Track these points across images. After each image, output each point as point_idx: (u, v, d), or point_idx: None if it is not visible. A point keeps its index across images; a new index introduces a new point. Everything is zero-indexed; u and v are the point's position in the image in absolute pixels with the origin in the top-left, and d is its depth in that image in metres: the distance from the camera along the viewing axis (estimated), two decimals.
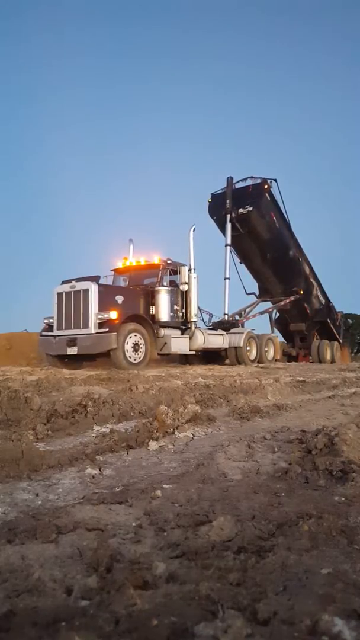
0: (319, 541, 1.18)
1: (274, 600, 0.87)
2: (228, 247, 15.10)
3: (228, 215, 14.98)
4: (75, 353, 9.78)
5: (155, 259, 11.83)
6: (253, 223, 15.21)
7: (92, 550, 1.08)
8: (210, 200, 16.02)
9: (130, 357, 9.74)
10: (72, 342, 9.79)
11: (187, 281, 11.68)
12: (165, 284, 11.56)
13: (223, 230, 15.37)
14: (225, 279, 15.05)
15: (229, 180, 15.46)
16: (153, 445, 2.47)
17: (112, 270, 12.61)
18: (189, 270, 11.86)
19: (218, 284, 15.21)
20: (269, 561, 1.06)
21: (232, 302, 15.38)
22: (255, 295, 17.85)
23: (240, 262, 16.73)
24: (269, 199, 15.55)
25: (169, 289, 11.48)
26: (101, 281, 10.46)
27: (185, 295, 11.82)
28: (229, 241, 15.01)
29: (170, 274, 11.86)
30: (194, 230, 12.00)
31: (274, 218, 15.73)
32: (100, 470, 1.99)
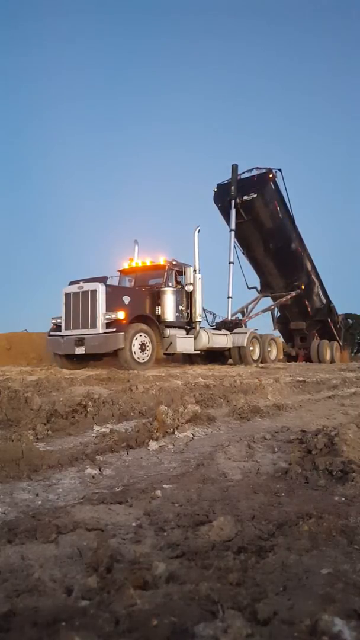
0: (319, 541, 1.18)
1: (274, 600, 0.87)
2: (232, 233, 15.27)
3: (233, 202, 15.16)
4: (83, 352, 9.86)
5: (161, 260, 11.91)
6: (257, 210, 15.36)
7: (92, 550, 1.08)
8: (215, 189, 16.22)
9: (137, 356, 9.80)
10: (80, 341, 9.87)
11: (192, 282, 11.76)
12: (170, 284, 11.64)
13: (227, 218, 15.54)
14: (230, 263, 15.23)
15: (234, 167, 15.65)
16: (153, 445, 2.47)
17: (117, 271, 12.68)
18: (194, 271, 11.92)
19: (221, 284, 15.31)
20: (269, 561, 1.06)
21: (234, 300, 15.44)
22: (257, 290, 17.89)
23: (243, 253, 16.80)
24: (273, 188, 15.71)
25: (175, 289, 11.55)
26: (107, 282, 10.51)
27: (190, 295, 11.90)
28: (233, 226, 15.19)
29: (176, 275, 11.95)
30: (198, 231, 12.03)
31: (278, 208, 15.85)
32: (100, 470, 1.99)
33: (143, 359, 9.99)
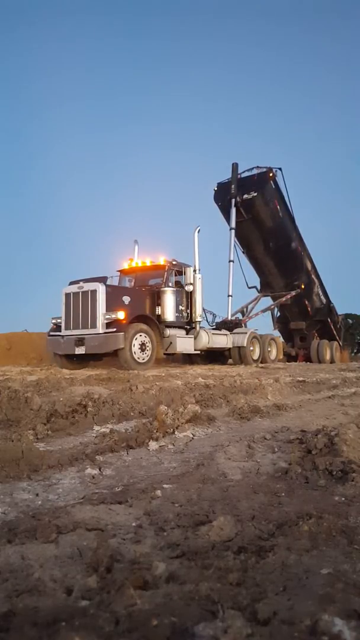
0: (319, 541, 1.18)
1: (274, 600, 0.87)
2: (232, 231, 15.33)
3: (233, 200, 15.22)
4: (83, 352, 9.87)
5: (161, 260, 11.92)
6: (257, 209, 15.41)
7: (92, 550, 1.08)
8: (216, 188, 16.29)
9: (137, 356, 9.82)
10: (80, 341, 9.89)
11: (192, 282, 11.77)
12: (170, 284, 11.66)
13: (227, 217, 15.59)
14: (230, 261, 15.28)
15: (234, 166, 15.71)
16: (153, 445, 2.47)
17: (117, 271, 12.70)
18: (194, 271, 11.93)
19: (221, 284, 15.34)
20: (269, 561, 1.06)
21: (234, 299, 15.45)
22: (257, 290, 17.91)
23: (243, 252, 16.83)
24: (273, 187, 15.76)
25: (175, 289, 11.57)
26: (107, 282, 10.52)
27: (190, 295, 11.92)
28: (233, 225, 15.24)
29: (176, 275, 11.97)
30: (198, 231, 12.03)
31: (278, 206, 15.90)
32: (100, 470, 1.99)
33: (143, 359, 10.01)
